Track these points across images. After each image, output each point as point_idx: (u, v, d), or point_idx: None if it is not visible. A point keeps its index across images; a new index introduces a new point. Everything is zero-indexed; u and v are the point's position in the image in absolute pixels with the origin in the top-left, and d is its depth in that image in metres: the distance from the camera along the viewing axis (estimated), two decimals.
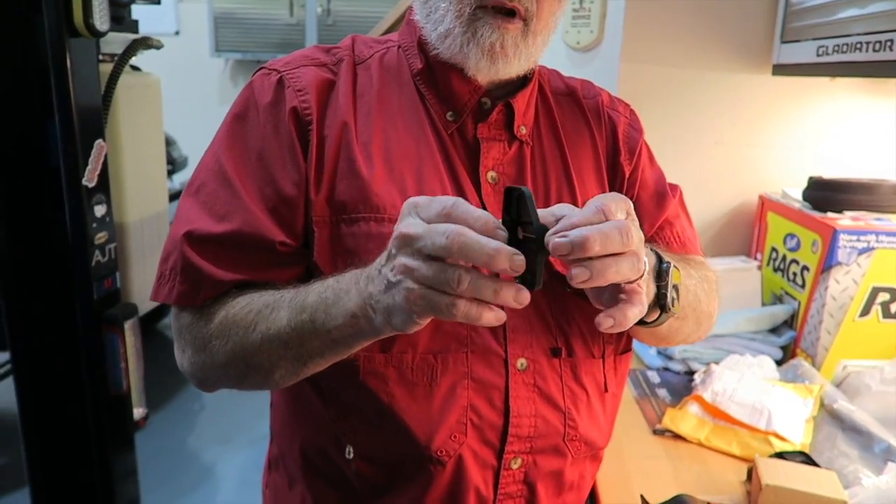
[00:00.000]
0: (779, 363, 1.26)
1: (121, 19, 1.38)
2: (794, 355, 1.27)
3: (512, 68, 0.76)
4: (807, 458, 0.96)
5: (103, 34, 1.24)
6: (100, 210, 1.33)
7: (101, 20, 1.22)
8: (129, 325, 1.38)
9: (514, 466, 0.74)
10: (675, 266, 0.68)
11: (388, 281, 0.54)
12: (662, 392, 1.20)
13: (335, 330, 0.61)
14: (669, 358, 1.30)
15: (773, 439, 1.01)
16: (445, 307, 0.51)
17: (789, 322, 1.31)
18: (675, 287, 0.69)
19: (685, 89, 1.43)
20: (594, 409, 0.79)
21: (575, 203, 0.80)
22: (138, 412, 1.50)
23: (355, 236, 0.71)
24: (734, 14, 1.40)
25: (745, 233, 1.52)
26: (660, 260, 0.67)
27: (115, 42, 1.36)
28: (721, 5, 1.39)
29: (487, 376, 0.72)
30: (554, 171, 0.81)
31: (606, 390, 0.80)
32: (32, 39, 1.20)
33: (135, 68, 1.49)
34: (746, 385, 1.12)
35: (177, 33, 4.64)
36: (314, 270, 0.71)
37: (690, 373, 1.26)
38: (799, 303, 1.28)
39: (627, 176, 0.86)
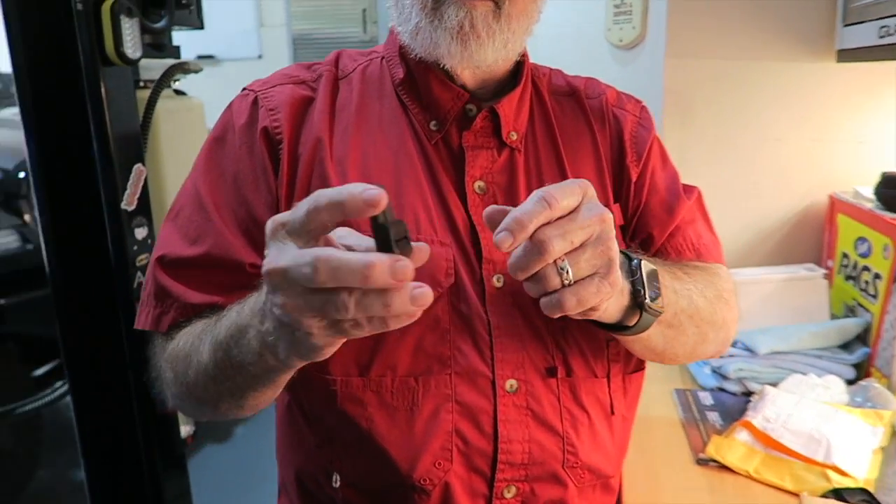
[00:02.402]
0: (852, 382, 1.12)
1: (162, 46, 1.41)
2: (868, 374, 1.12)
3: (487, 52, 0.71)
4: (869, 497, 0.84)
5: (135, 62, 1.27)
6: (140, 233, 1.36)
7: (132, 48, 1.26)
8: None
9: (508, 496, 0.69)
10: (653, 266, 0.63)
11: (280, 320, 0.48)
12: (713, 416, 1.09)
13: (250, 366, 0.57)
14: (724, 377, 1.18)
15: (831, 473, 0.89)
16: (350, 330, 0.46)
17: (862, 337, 1.16)
18: (655, 285, 0.63)
19: (739, 83, 1.31)
20: (598, 434, 0.72)
21: None
22: (185, 430, 1.53)
23: None
24: None
25: (815, 238, 1.37)
26: (628, 257, 0.62)
27: (155, 68, 1.40)
28: None
29: (473, 399, 0.68)
30: (550, 177, 0.75)
31: (613, 412, 0.74)
32: (70, 69, 1.25)
33: (179, 93, 1.53)
34: (804, 410, 1.00)
35: (259, 57, 4.82)
36: None
37: (748, 394, 1.14)
38: (872, 315, 1.14)
39: (635, 180, 0.79)
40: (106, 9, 1.20)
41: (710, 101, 1.32)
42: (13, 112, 3.11)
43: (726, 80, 1.31)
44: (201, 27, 1.52)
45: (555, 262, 0.54)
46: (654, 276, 0.64)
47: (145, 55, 1.32)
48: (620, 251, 0.60)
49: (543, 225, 0.53)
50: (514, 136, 0.76)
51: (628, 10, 1.37)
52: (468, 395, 0.68)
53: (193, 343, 0.65)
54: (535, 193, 0.53)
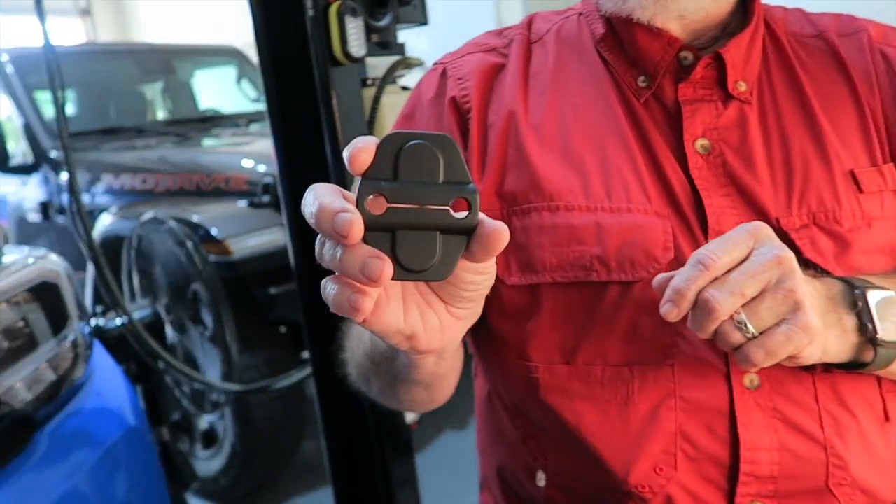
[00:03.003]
0: None
1: (387, 44, 1.46)
2: None
3: (686, 0, 0.61)
4: None
5: (359, 60, 1.32)
6: None
7: (357, 47, 1.31)
8: None
9: None
10: (889, 292, 0.54)
11: None
12: None
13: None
14: None
15: None
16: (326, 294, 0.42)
17: None
18: (893, 314, 0.53)
19: None
20: (872, 445, 0.60)
21: (832, 182, 0.63)
22: (410, 416, 1.57)
23: (526, 230, 0.63)
24: None
25: None
26: (850, 285, 0.56)
27: (380, 66, 1.45)
28: None
29: (703, 396, 0.59)
30: (797, 137, 0.63)
31: (888, 419, 0.61)
32: (305, 72, 1.34)
33: (405, 88, 1.57)
34: None
35: None
36: None
37: None
38: None
39: None
40: (333, 11, 1.27)
41: None
42: None
43: None
44: (425, 22, 1.55)
45: (731, 316, 0.51)
46: (889, 303, 0.53)
47: (372, 53, 1.37)
48: (842, 279, 0.57)
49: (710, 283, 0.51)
50: (743, 87, 0.65)
51: None
52: (696, 391, 0.60)
53: (359, 337, 0.66)
54: (693, 256, 0.52)
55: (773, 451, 0.59)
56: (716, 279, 0.51)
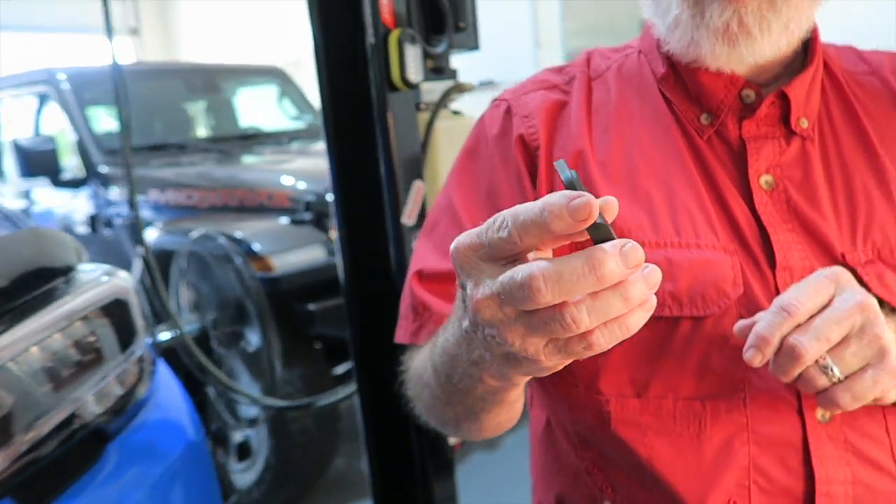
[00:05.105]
0: None
1: (441, 70, 1.49)
2: None
3: (763, 48, 0.62)
4: None
5: (416, 86, 1.36)
6: None
7: (415, 73, 1.34)
8: None
9: None
10: None
11: (496, 349, 0.43)
12: None
13: (474, 391, 0.54)
14: None
15: None
16: (582, 351, 0.39)
17: None
18: None
19: None
20: None
21: (891, 211, 0.64)
22: (453, 438, 1.57)
23: None
24: None
25: None
26: None
27: (433, 91, 1.48)
28: None
29: (775, 430, 0.60)
30: (858, 172, 0.64)
31: None
32: (364, 98, 1.37)
33: (456, 113, 1.59)
34: None
35: None
36: None
37: None
38: None
39: None
40: (394, 39, 1.30)
41: None
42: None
43: None
44: (477, 47, 1.58)
45: (817, 361, 0.53)
46: None
47: (426, 79, 1.41)
48: None
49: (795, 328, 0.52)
50: (805, 124, 0.66)
51: None
52: (769, 425, 0.60)
53: (424, 365, 0.64)
54: (775, 302, 0.53)
55: (847, 485, 0.60)
56: (799, 325, 0.52)
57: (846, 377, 0.53)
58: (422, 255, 0.74)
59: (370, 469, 1.66)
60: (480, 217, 0.71)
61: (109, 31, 1.61)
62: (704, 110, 0.68)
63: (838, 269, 0.55)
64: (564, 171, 0.40)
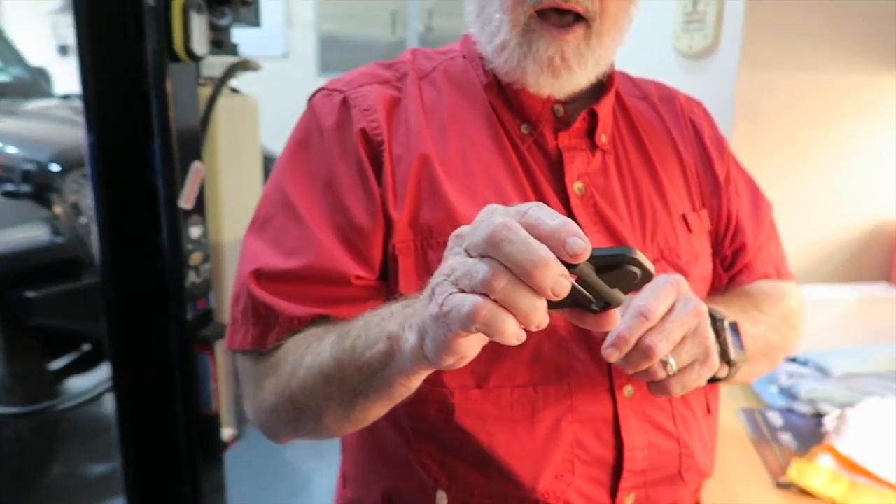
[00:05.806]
0: None
1: (221, 43, 1.40)
2: None
3: (579, 79, 0.71)
4: None
5: (202, 58, 1.26)
6: (195, 231, 1.34)
7: (200, 45, 1.24)
8: (220, 346, 1.39)
9: (628, 503, 0.69)
10: (733, 319, 0.67)
11: (431, 290, 0.46)
12: (786, 437, 1.07)
13: (370, 357, 0.55)
14: (794, 398, 1.16)
15: None
16: (472, 309, 0.41)
17: None
18: (738, 340, 0.67)
19: (816, 96, 1.28)
20: (703, 434, 0.74)
21: (671, 223, 0.76)
22: (228, 432, 1.51)
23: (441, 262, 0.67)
24: (883, 7, 1.23)
25: (886, 256, 1.35)
26: (713, 317, 0.66)
27: (215, 66, 1.38)
28: None
29: (593, 408, 0.68)
30: (644, 183, 0.76)
31: (709, 412, 0.76)
32: (136, 65, 1.23)
33: (234, 91, 1.51)
34: (892, 435, 0.97)
35: (285, 56, 4.81)
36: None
37: (819, 416, 1.12)
38: None
39: (722, 182, 0.81)
40: (178, 4, 1.19)
41: (784, 114, 1.28)
42: (44, 104, 3.10)
43: (803, 94, 1.27)
44: (258, 24, 1.51)
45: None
46: (735, 329, 0.67)
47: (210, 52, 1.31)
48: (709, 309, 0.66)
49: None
50: (604, 139, 0.76)
51: (700, 18, 1.34)
52: (588, 405, 0.68)
53: (311, 344, 0.63)
54: (632, 307, 0.58)
55: (644, 449, 0.69)
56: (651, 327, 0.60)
57: (679, 370, 0.61)
58: (257, 253, 0.69)
59: (125, 471, 1.51)
60: (320, 210, 0.69)
61: None
62: (525, 121, 0.74)
63: (678, 277, 0.61)
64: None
